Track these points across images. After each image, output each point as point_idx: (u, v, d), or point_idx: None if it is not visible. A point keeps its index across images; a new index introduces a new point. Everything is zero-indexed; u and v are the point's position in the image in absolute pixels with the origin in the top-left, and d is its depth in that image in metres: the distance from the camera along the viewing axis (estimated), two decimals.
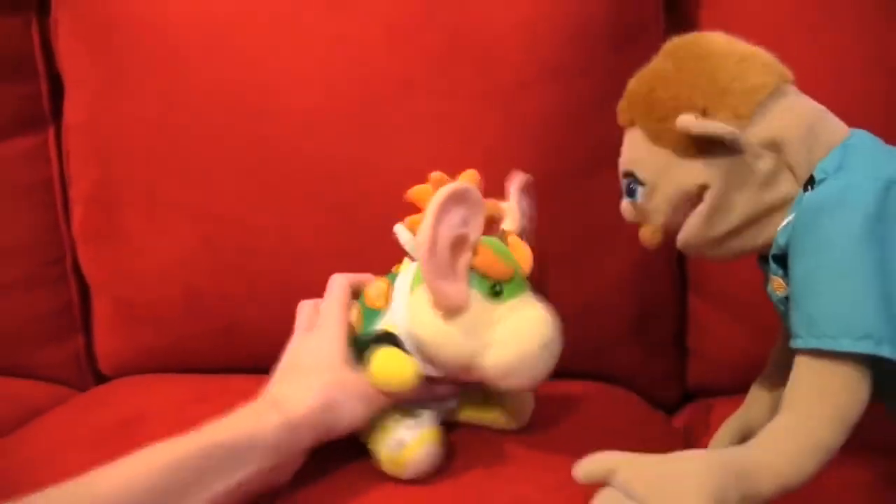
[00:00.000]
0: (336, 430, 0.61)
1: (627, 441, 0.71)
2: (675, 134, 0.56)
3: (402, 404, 0.65)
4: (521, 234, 0.67)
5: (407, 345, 0.63)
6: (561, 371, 0.84)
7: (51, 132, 0.95)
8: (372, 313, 0.67)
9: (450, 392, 0.68)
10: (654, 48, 0.62)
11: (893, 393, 0.54)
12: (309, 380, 0.62)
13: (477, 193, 0.62)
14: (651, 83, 0.59)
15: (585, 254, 0.85)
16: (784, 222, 0.55)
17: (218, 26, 0.84)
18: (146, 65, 0.86)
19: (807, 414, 0.50)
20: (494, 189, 0.80)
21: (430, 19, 0.82)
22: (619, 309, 0.87)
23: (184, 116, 0.85)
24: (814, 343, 0.50)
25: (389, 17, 0.83)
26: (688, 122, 0.54)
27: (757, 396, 0.70)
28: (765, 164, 0.55)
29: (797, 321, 0.52)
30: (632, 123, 0.61)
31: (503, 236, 0.66)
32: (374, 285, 0.68)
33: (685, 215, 0.58)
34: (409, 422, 0.63)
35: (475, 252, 0.62)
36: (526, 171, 0.82)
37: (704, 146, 0.55)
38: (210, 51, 0.84)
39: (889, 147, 0.57)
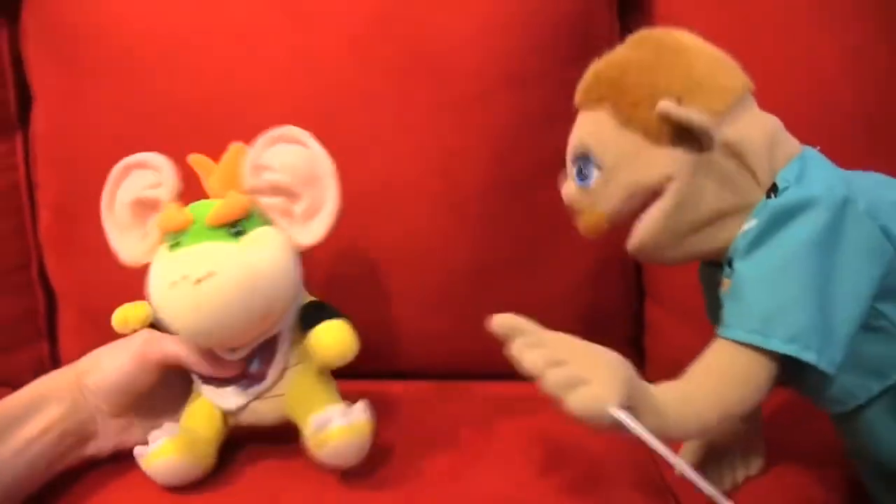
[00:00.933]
0: (105, 378, 0.65)
1: (588, 440, 0.73)
2: (648, 120, 0.56)
3: (198, 384, 0.68)
4: (270, 187, 0.66)
5: None
6: (516, 373, 0.87)
7: (18, 139, 0.95)
8: None
9: (233, 370, 0.67)
10: None
11: (829, 395, 0.56)
12: (103, 349, 0.68)
13: (159, 160, 0.65)
14: (624, 67, 0.58)
15: (540, 259, 0.87)
16: (746, 226, 0.56)
17: (181, 39, 0.86)
18: (112, 76, 0.87)
19: (703, 391, 0.53)
20: (457, 196, 0.83)
21: (388, 32, 0.84)
22: (575, 313, 0.88)
23: (148, 127, 0.86)
24: (744, 337, 0.52)
25: (348, 30, 0.85)
26: (669, 107, 0.54)
27: None
28: (729, 163, 0.56)
29: (732, 311, 0.54)
30: (597, 104, 0.59)
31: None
32: None
33: (635, 210, 0.58)
34: (154, 433, 0.64)
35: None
36: (482, 177, 0.84)
37: (675, 136, 0.55)
38: (174, 63, 0.86)
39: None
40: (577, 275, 0.88)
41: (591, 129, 0.60)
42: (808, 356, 0.51)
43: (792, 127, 0.60)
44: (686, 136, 0.55)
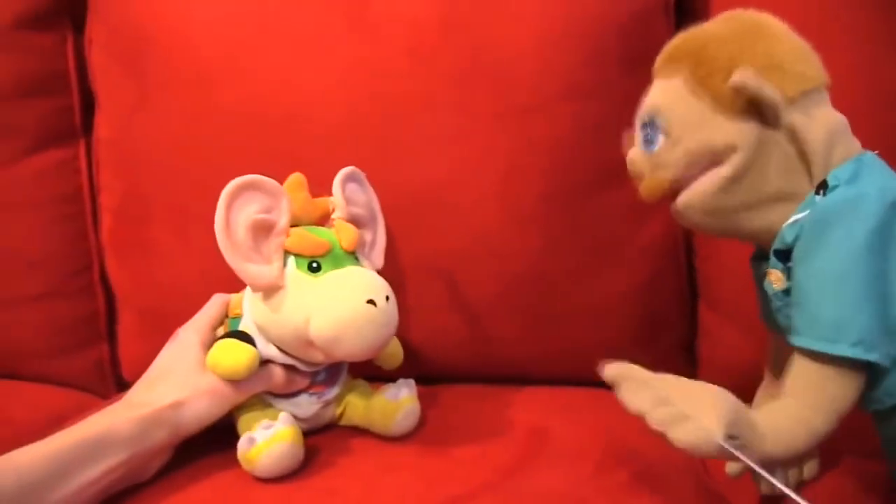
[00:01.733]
0: (188, 424, 0.66)
1: (643, 444, 0.74)
2: (721, 90, 0.56)
3: (269, 398, 0.71)
4: (351, 218, 0.74)
5: (256, 338, 0.69)
6: (573, 378, 0.88)
7: (81, 145, 0.97)
8: (234, 322, 0.72)
9: (303, 384, 0.72)
10: None
11: (871, 393, 0.56)
12: (162, 384, 0.68)
13: (273, 184, 0.67)
14: (706, 39, 0.59)
15: (596, 265, 0.87)
16: (792, 219, 0.57)
17: (243, 47, 0.88)
18: (175, 82, 0.89)
19: (804, 403, 0.54)
20: (517, 204, 0.84)
21: (449, 42, 0.85)
22: (630, 318, 0.89)
23: (210, 133, 0.87)
24: (814, 345, 0.54)
25: (410, 40, 0.86)
26: (746, 76, 0.55)
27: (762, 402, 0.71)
28: (789, 149, 0.57)
29: (800, 320, 0.55)
30: (673, 71, 0.60)
31: (330, 223, 0.73)
32: (234, 296, 0.74)
33: (694, 176, 0.59)
34: (265, 422, 0.66)
35: (288, 235, 0.68)
36: (542, 186, 0.85)
37: (744, 110, 0.56)
38: (235, 70, 0.87)
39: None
40: (633, 281, 0.88)
41: (662, 95, 0.61)
42: (872, 356, 0.53)
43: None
44: (754, 111, 0.56)
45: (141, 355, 0.93)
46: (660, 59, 0.63)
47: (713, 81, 0.57)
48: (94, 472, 0.60)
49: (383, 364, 0.79)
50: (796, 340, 0.55)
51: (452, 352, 0.88)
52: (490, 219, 0.85)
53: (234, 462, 0.66)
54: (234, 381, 0.67)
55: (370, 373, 0.79)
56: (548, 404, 0.82)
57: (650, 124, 0.61)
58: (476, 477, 0.66)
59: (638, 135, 0.62)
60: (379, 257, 0.78)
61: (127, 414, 0.64)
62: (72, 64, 0.96)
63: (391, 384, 0.74)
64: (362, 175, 0.79)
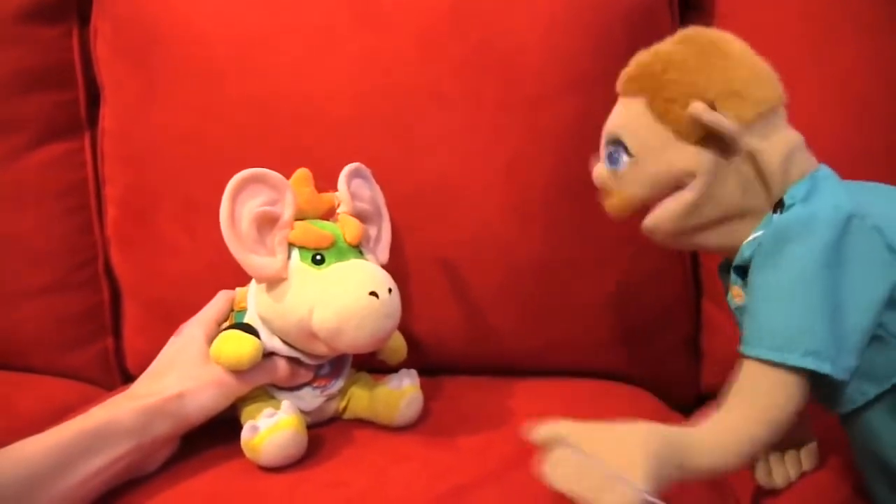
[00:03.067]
0: (192, 415, 0.66)
1: None
2: (681, 117, 0.58)
3: (273, 391, 0.71)
4: (356, 213, 0.74)
5: (260, 330, 0.69)
6: (579, 369, 0.88)
7: (86, 138, 0.98)
8: (239, 315, 0.73)
9: (307, 377, 0.72)
10: None
11: (831, 398, 0.57)
12: (166, 376, 0.68)
13: (278, 177, 0.68)
14: (667, 64, 0.60)
15: (601, 259, 0.87)
16: (752, 237, 0.59)
17: (252, 40, 0.87)
18: (181, 75, 0.89)
19: (746, 414, 0.54)
20: (522, 195, 0.84)
21: (456, 33, 0.85)
22: (633, 311, 0.89)
23: (217, 125, 0.87)
24: (765, 354, 0.54)
25: (418, 31, 0.85)
26: (701, 110, 0.57)
27: None
28: (748, 170, 0.59)
29: (751, 330, 0.56)
30: (636, 93, 0.62)
31: (335, 217, 0.74)
32: (240, 290, 0.75)
33: (659, 197, 0.61)
34: (268, 410, 0.67)
35: (292, 228, 0.68)
36: (547, 177, 0.85)
37: (703, 136, 0.58)
38: (244, 63, 0.87)
39: (848, 182, 0.60)
40: (637, 275, 0.88)
41: (626, 118, 0.63)
42: (825, 368, 0.53)
43: (823, 137, 0.62)
44: (714, 137, 0.58)
45: (146, 347, 0.93)
46: (623, 79, 0.65)
47: (674, 109, 0.59)
48: (98, 463, 0.60)
49: (387, 359, 0.80)
50: (747, 350, 0.56)
51: (455, 343, 0.88)
52: (495, 210, 0.85)
53: (239, 454, 0.66)
54: (238, 372, 0.68)
55: (373, 367, 0.79)
56: (551, 396, 0.82)
57: (614, 144, 0.63)
58: (481, 467, 0.66)
59: (603, 152, 0.64)
60: (384, 253, 0.78)
61: (130, 405, 0.64)
62: (77, 56, 0.96)
63: (394, 374, 0.75)
64: (368, 171, 0.79)
